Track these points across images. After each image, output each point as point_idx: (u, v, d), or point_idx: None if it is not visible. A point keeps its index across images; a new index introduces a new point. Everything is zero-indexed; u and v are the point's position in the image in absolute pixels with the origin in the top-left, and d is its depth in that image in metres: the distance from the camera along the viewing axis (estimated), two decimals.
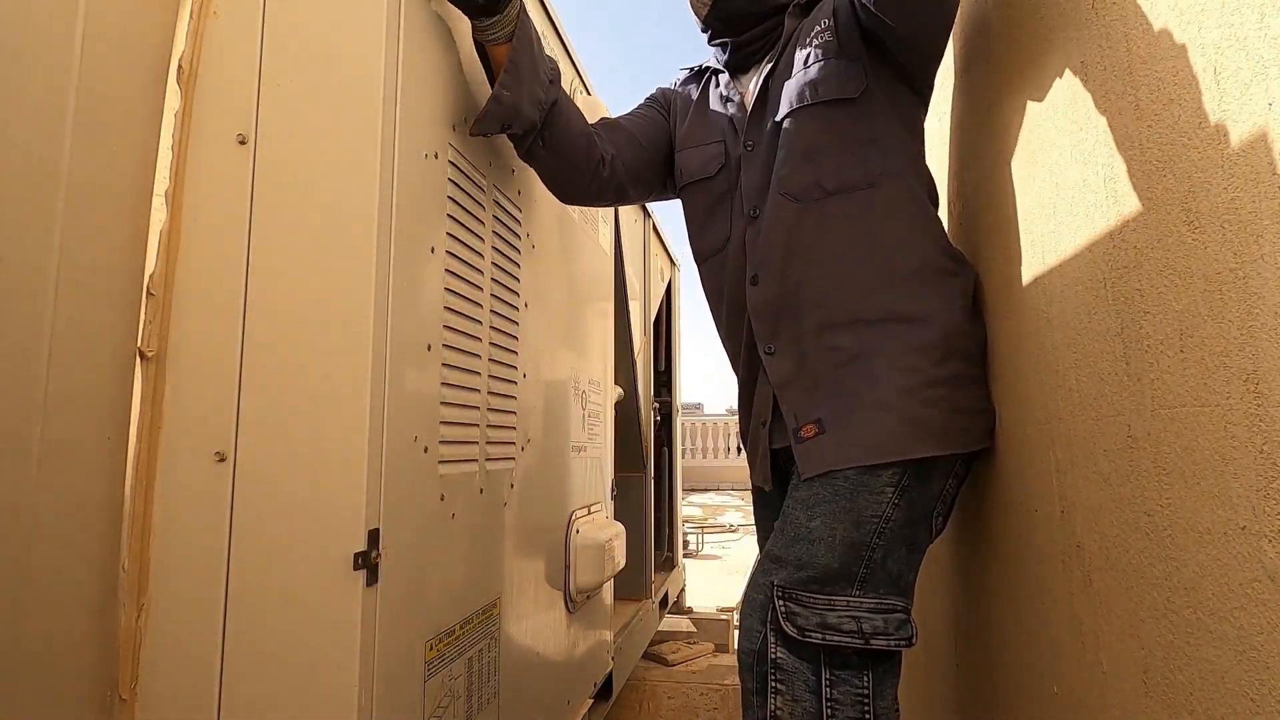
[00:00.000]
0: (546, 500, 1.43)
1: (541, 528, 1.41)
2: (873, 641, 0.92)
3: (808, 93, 1.05)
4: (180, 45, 0.88)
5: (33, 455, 0.72)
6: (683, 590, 3.65)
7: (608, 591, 1.89)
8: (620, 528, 1.80)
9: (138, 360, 0.83)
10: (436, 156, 0.99)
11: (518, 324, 1.25)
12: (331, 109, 0.86)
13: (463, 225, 1.06)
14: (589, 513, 1.70)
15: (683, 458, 4.35)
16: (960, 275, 1.06)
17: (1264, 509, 0.51)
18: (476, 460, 1.09)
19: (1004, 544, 1.06)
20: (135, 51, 0.85)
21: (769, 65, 1.14)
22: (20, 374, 0.71)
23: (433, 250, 0.97)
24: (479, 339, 1.10)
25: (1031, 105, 0.92)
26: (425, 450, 0.94)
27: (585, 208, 1.71)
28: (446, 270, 1.00)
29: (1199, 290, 0.58)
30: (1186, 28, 0.59)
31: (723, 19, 1.18)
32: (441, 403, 0.98)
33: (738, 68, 1.21)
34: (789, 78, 1.09)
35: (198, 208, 0.87)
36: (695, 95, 1.26)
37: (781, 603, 0.95)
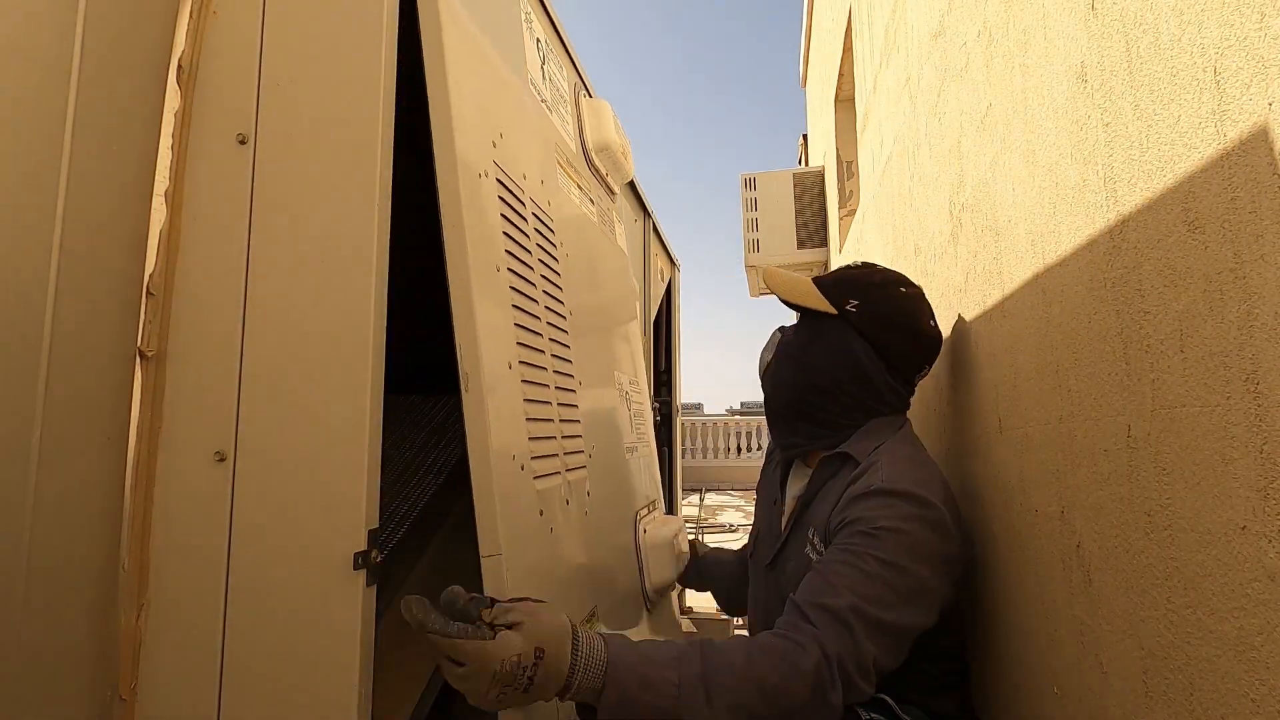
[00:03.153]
0: (615, 504, 1.43)
1: (615, 531, 1.40)
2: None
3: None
4: (180, 45, 0.88)
5: (33, 455, 0.72)
6: (683, 590, 3.65)
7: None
8: (680, 521, 1.78)
9: (138, 360, 0.83)
10: (486, 175, 0.99)
11: (567, 332, 1.24)
12: (331, 109, 0.86)
13: (515, 242, 1.05)
14: (649, 511, 1.68)
15: (683, 458, 4.35)
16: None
17: (1264, 509, 0.51)
18: (560, 473, 1.09)
19: (1004, 544, 1.06)
20: (135, 51, 0.85)
21: (795, 516, 1.18)
22: (20, 374, 0.71)
23: (498, 270, 0.97)
24: (543, 351, 1.10)
25: (1031, 105, 0.92)
26: (522, 468, 0.94)
27: (603, 208, 1.71)
28: (511, 288, 1.00)
29: (1199, 290, 0.58)
30: (1186, 28, 0.59)
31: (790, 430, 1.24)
32: (527, 419, 0.98)
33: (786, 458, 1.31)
34: (798, 561, 1.12)
35: (198, 208, 0.87)
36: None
37: None
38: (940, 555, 0.97)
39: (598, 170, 1.66)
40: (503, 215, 1.02)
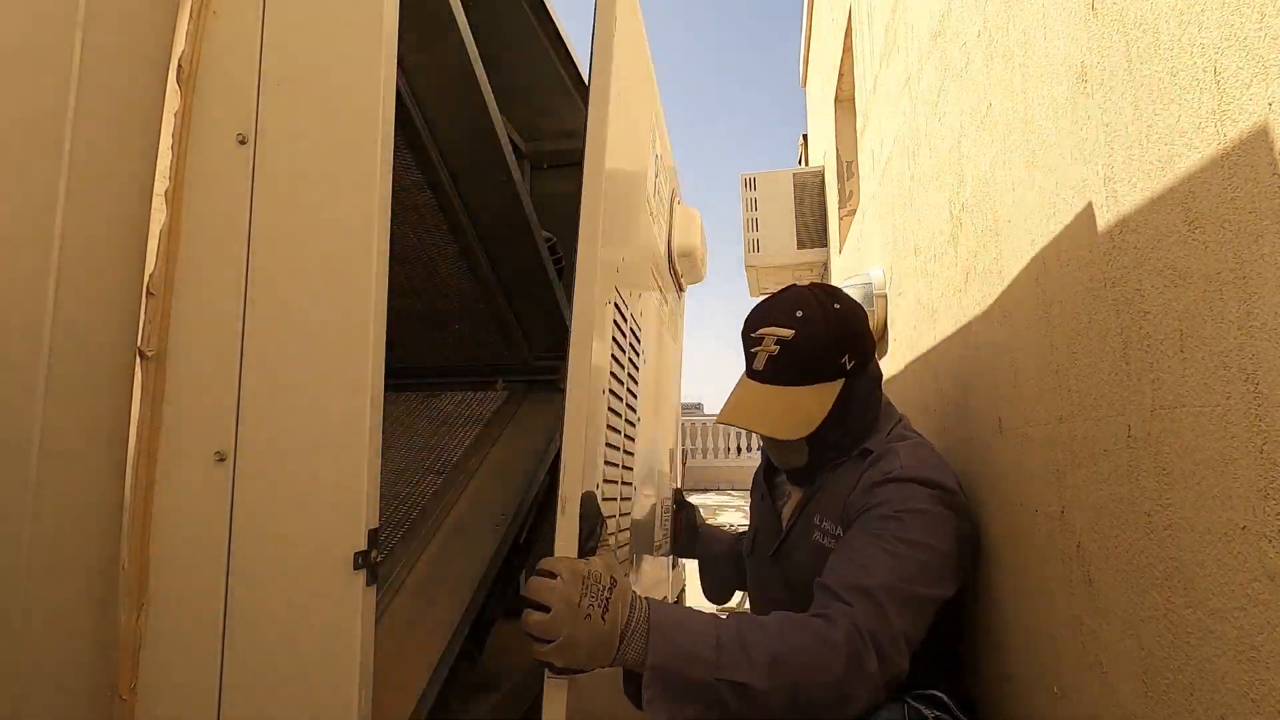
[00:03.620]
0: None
1: None
2: None
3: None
4: (180, 45, 0.88)
5: (33, 455, 0.72)
6: (683, 590, 3.64)
7: None
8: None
9: (138, 360, 0.83)
10: (610, 303, 1.01)
11: (634, 440, 1.25)
12: (331, 109, 0.86)
13: (618, 363, 1.08)
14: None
15: (683, 458, 4.34)
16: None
17: (1264, 509, 0.51)
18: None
19: (1004, 544, 1.06)
20: (135, 51, 0.85)
21: (800, 508, 1.18)
22: (20, 374, 0.71)
23: (602, 392, 0.99)
24: (616, 465, 1.11)
25: (1031, 105, 0.92)
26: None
27: (672, 305, 1.76)
28: (609, 409, 1.03)
29: (1199, 290, 0.58)
30: (1186, 28, 0.59)
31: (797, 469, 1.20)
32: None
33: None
34: (805, 549, 1.13)
35: (198, 208, 0.87)
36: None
37: None
38: (958, 534, 1.01)
39: (675, 272, 1.72)
40: (613, 339, 1.04)
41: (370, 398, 0.81)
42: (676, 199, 1.70)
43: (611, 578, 0.82)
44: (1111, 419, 0.72)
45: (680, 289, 1.88)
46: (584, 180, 0.91)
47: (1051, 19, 0.85)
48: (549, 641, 0.77)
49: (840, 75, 3.54)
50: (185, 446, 0.83)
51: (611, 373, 1.04)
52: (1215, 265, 0.56)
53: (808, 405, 1.10)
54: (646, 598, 0.85)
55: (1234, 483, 0.54)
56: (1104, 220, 0.73)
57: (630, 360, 1.20)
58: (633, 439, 1.25)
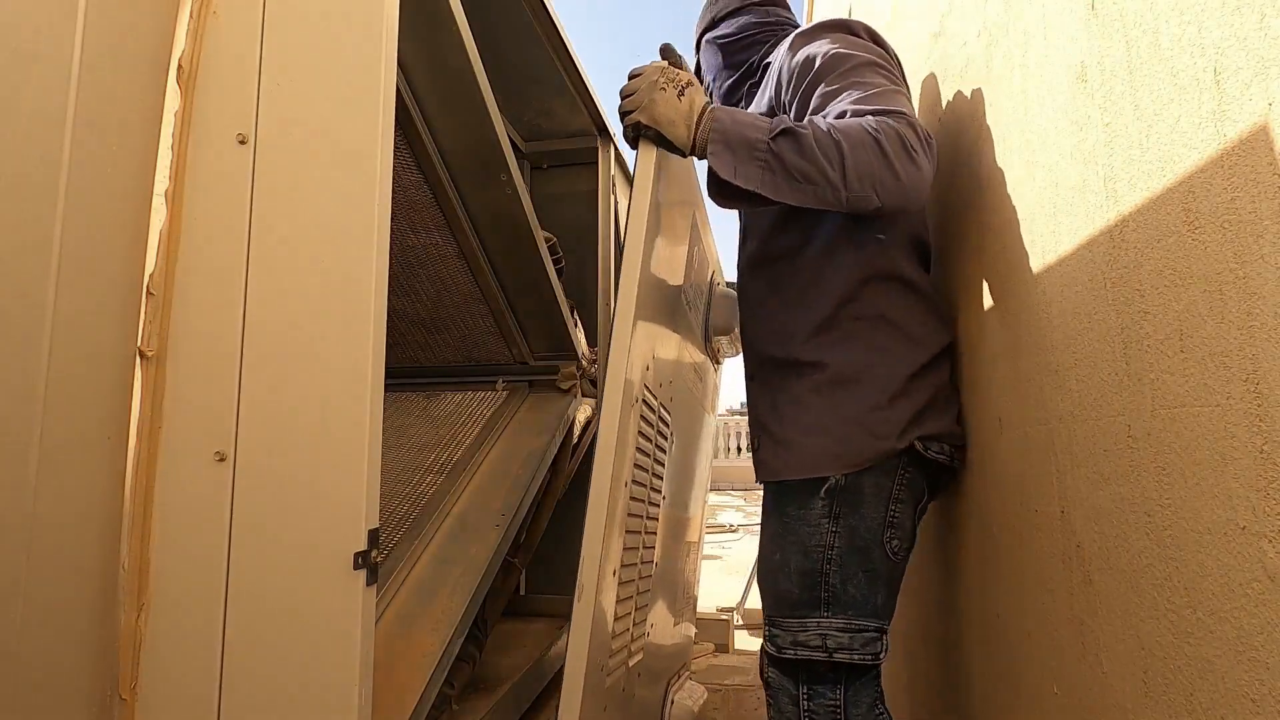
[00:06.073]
0: (656, 677, 1.51)
1: (647, 702, 1.48)
2: (836, 655, 1.02)
3: None
4: (180, 45, 0.88)
5: (33, 455, 0.72)
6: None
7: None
8: (701, 691, 1.91)
9: (138, 360, 0.83)
10: (638, 400, 1.06)
11: (657, 520, 1.30)
12: (331, 109, 0.86)
13: (643, 453, 1.13)
14: (679, 678, 1.79)
15: None
16: (868, 323, 1.11)
17: (1264, 509, 0.51)
18: (624, 662, 1.16)
19: (1004, 544, 1.06)
20: (135, 51, 0.85)
21: None
22: (20, 374, 0.71)
23: (625, 484, 1.03)
24: (635, 550, 1.16)
25: (1031, 105, 0.92)
26: (604, 671, 1.00)
27: (705, 377, 1.83)
28: (631, 498, 1.06)
29: (1199, 290, 0.58)
30: (1186, 28, 0.59)
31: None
32: (615, 618, 1.04)
33: None
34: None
35: (198, 208, 0.87)
36: None
37: (768, 628, 1.09)
38: (871, 39, 1.15)
39: (711, 349, 1.77)
40: (640, 433, 1.07)
41: (370, 398, 0.81)
42: (717, 281, 1.74)
43: (690, 80, 1.03)
44: (1111, 419, 0.72)
45: (717, 363, 1.94)
46: (618, 302, 0.97)
47: (1051, 19, 0.85)
48: (634, 111, 1.01)
49: None
50: (185, 446, 0.83)
51: (637, 464, 1.07)
52: (1215, 265, 0.56)
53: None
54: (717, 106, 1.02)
55: (1234, 483, 0.54)
56: (1104, 220, 0.73)
57: (657, 446, 1.24)
58: (655, 518, 1.28)
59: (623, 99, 1.03)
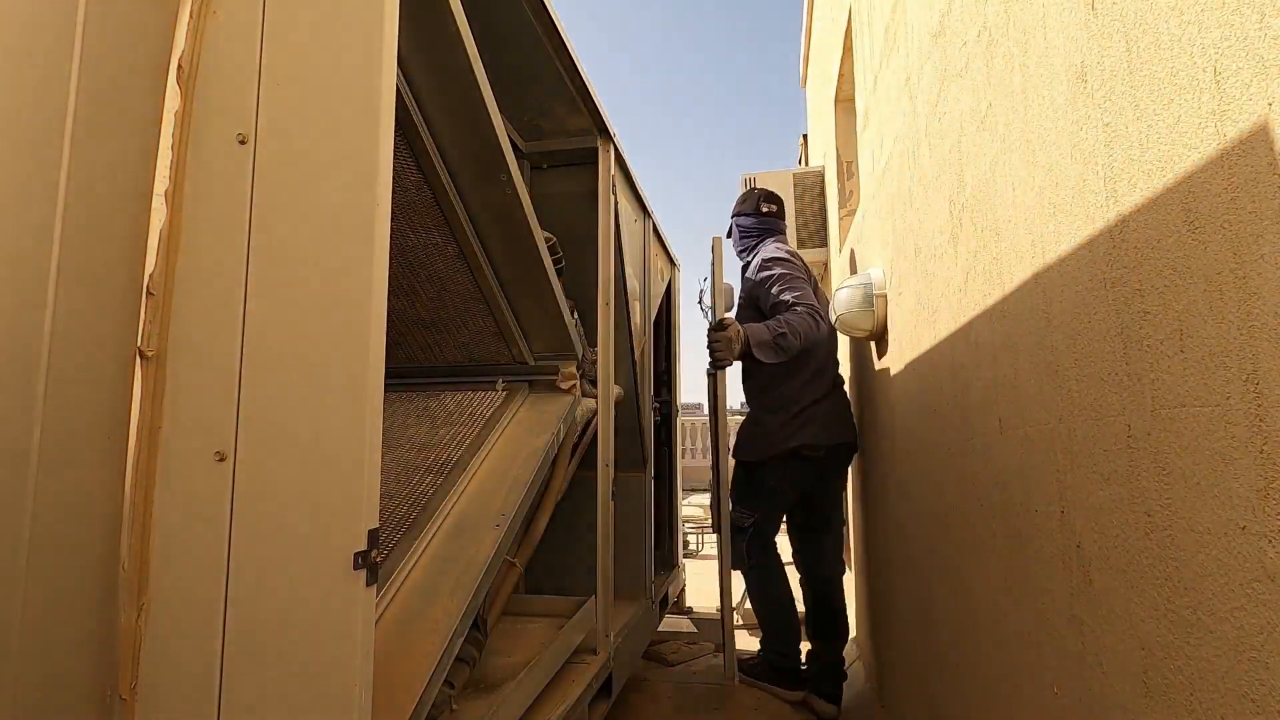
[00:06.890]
0: None
1: None
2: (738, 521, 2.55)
3: None
4: (180, 45, 0.88)
5: (33, 455, 0.72)
6: (682, 590, 3.65)
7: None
8: None
9: (138, 360, 0.83)
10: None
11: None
12: (331, 109, 0.86)
13: None
14: None
15: (683, 458, 4.35)
16: (773, 391, 2.51)
17: (1264, 509, 0.51)
18: None
19: (1004, 544, 1.06)
20: (135, 52, 0.85)
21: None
22: (20, 374, 0.71)
23: None
24: None
25: (1031, 105, 0.92)
26: None
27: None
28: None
29: (1199, 290, 0.58)
30: (1186, 28, 0.59)
31: None
32: None
33: None
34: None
35: (198, 208, 0.87)
36: None
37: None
38: (791, 257, 2.55)
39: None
40: None
41: (370, 398, 0.81)
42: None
43: (737, 329, 2.38)
44: (1111, 419, 0.72)
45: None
46: None
47: (1051, 19, 0.85)
48: (723, 353, 2.42)
49: (840, 75, 3.53)
50: (185, 446, 0.83)
51: None
52: (1215, 265, 0.56)
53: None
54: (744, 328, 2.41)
55: (1234, 483, 0.54)
56: (1104, 220, 0.73)
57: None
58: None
59: (712, 343, 2.46)
